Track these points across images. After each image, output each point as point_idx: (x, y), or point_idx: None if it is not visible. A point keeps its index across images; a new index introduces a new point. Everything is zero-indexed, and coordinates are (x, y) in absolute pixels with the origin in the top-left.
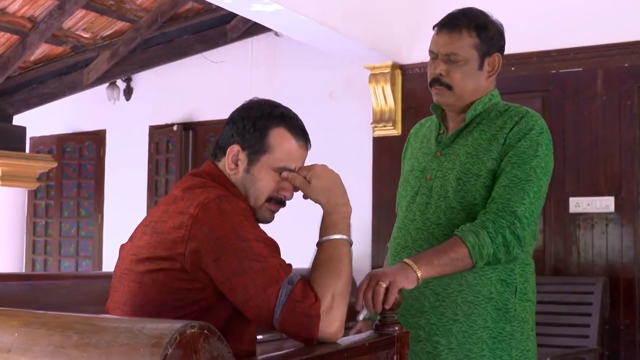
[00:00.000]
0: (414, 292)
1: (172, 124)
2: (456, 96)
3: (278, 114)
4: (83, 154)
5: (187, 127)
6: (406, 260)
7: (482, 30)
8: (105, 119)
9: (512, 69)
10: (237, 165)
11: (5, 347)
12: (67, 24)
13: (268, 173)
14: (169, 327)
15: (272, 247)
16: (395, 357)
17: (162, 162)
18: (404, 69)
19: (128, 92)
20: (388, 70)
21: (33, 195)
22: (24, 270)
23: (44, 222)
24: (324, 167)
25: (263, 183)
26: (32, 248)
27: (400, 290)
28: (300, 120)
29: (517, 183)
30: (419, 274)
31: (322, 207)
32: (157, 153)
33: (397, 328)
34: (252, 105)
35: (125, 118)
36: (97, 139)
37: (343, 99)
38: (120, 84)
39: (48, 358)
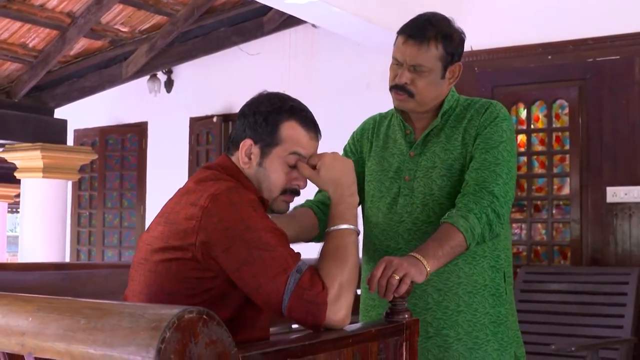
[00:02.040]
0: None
1: (212, 116)
2: (418, 103)
3: (288, 107)
4: (125, 145)
5: (227, 118)
6: (414, 254)
7: (448, 40)
8: (146, 111)
9: (549, 57)
10: (250, 158)
11: (20, 331)
12: (105, 18)
13: (280, 165)
14: (168, 312)
15: (281, 237)
16: (404, 344)
17: (202, 153)
18: None
19: (169, 84)
20: None
21: (77, 186)
22: (68, 261)
23: (87, 213)
24: (334, 156)
25: (276, 176)
26: (77, 238)
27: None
28: (310, 112)
29: (487, 166)
30: (428, 269)
31: (330, 196)
32: (198, 144)
33: (406, 315)
34: (262, 99)
35: (166, 110)
36: (139, 130)
37: (380, 90)
38: (161, 77)
39: (58, 341)
